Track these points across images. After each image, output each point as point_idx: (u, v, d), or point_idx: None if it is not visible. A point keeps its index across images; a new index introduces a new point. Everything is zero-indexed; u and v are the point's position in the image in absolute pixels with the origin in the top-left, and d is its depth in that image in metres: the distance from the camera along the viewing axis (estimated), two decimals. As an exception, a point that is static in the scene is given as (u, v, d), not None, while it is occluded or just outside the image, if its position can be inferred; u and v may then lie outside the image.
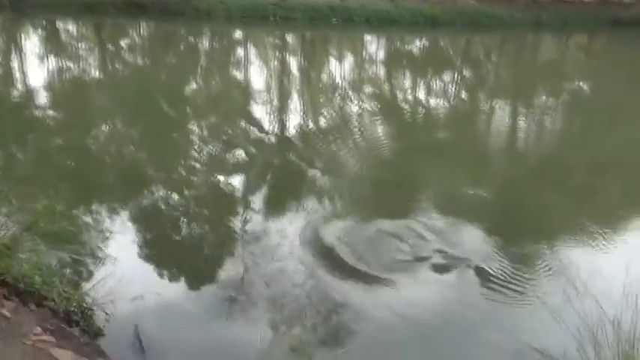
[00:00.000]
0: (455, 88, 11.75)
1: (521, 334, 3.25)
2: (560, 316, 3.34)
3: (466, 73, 13.15)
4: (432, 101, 10.37)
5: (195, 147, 7.18)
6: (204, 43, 14.79)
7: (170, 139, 7.39)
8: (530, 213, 5.38)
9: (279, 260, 4.21)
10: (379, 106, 10.02)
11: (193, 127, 8.13)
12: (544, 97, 10.83)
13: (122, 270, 3.78)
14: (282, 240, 4.53)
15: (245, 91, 10.78)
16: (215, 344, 3.24)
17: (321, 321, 3.51)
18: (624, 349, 2.47)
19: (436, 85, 11.73)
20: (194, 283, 3.95)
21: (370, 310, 3.65)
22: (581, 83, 11.73)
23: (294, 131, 7.97)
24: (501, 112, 9.77)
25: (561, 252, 4.49)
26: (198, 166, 6.47)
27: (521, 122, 9.17)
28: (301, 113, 9.50)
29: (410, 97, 10.75)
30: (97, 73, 11.66)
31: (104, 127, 7.83)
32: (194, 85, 10.98)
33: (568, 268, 4.19)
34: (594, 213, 5.56)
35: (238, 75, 12.29)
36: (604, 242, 4.67)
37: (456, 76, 12.66)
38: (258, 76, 12.04)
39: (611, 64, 12.99)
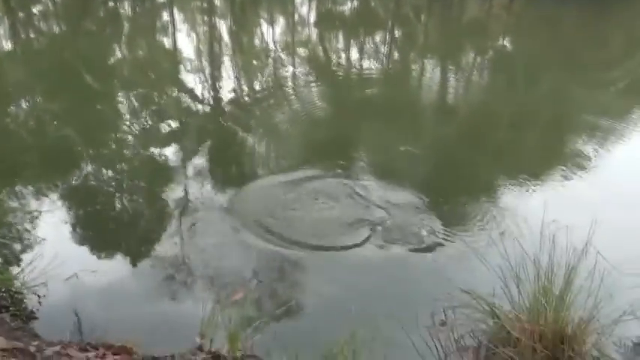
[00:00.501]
0: (386, 48, 11.84)
1: (453, 280, 3.46)
2: (487, 260, 3.58)
3: (396, 32, 13.24)
4: (365, 62, 10.43)
5: (124, 119, 6.87)
6: (126, 8, 13.92)
7: (96, 112, 7.00)
8: (459, 167, 5.65)
9: (217, 232, 4.20)
10: (312, 67, 9.95)
11: (120, 98, 7.73)
12: (469, 55, 11.15)
13: (54, 250, 3.62)
14: (218, 211, 4.50)
15: (173, 59, 10.32)
16: (155, 321, 3.21)
17: (263, 290, 3.57)
18: (543, 284, 2.68)
19: (368, 45, 11.76)
20: (131, 260, 3.87)
21: (308, 274, 3.78)
22: (503, 41, 12.15)
23: (228, 97, 7.80)
24: (430, 71, 10.00)
25: (488, 201, 4.77)
26: (128, 138, 6.20)
27: (449, 80, 9.44)
28: (234, 78, 9.28)
29: (342, 58, 10.75)
30: (8, 43, 10.74)
31: (23, 103, 7.30)
32: (118, 54, 10.38)
33: (494, 215, 4.48)
34: (516, 164, 5.90)
35: (165, 42, 11.72)
36: (525, 190, 5.00)
37: (386, 36, 12.72)
38: (186, 43, 11.53)
39: (530, 22, 13.49)
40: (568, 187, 5.14)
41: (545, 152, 6.38)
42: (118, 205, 4.69)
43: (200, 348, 2.89)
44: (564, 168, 5.61)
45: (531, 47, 11.08)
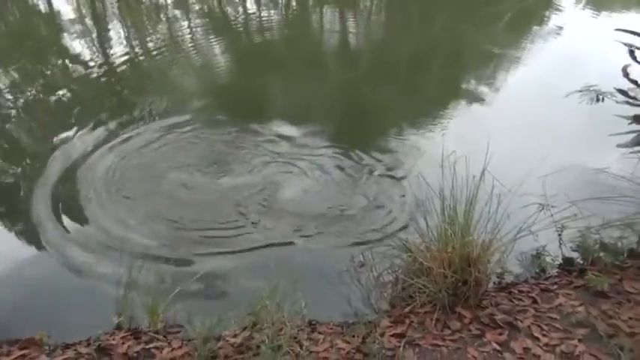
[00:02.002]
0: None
1: (366, 221, 3.55)
2: (394, 198, 3.71)
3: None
4: (263, 11, 10.08)
5: (7, 96, 6.17)
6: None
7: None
8: (363, 108, 5.75)
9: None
10: (208, 21, 9.47)
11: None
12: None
13: None
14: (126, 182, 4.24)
15: (53, 24, 9.35)
16: (66, 308, 3.00)
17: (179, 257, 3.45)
18: (449, 214, 2.79)
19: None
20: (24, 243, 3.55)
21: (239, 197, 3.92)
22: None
23: (120, 60, 7.21)
24: (329, 16, 9.90)
25: (393, 140, 4.88)
26: (14, 116, 5.61)
27: (348, 24, 9.41)
28: (124, 40, 8.59)
29: (239, 10, 10.31)
30: None
31: None
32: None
33: (398, 152, 4.61)
34: (417, 101, 6.10)
35: (41, 6, 10.53)
36: (426, 125, 5.18)
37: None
38: (64, 4, 10.44)
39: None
40: (465, 119, 5.40)
41: (443, 87, 6.63)
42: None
43: (118, 327, 2.75)
44: (461, 101, 5.87)
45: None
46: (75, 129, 5.11)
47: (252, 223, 3.66)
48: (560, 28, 8.66)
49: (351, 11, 10.11)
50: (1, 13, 9.90)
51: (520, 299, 2.78)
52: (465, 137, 4.36)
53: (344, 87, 6.48)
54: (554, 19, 9.29)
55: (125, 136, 4.95)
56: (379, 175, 4.27)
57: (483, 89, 6.25)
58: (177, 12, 10.26)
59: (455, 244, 2.67)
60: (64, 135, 5.00)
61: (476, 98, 5.93)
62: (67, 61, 7.42)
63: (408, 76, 7.06)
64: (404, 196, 3.78)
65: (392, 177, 4.20)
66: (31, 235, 3.61)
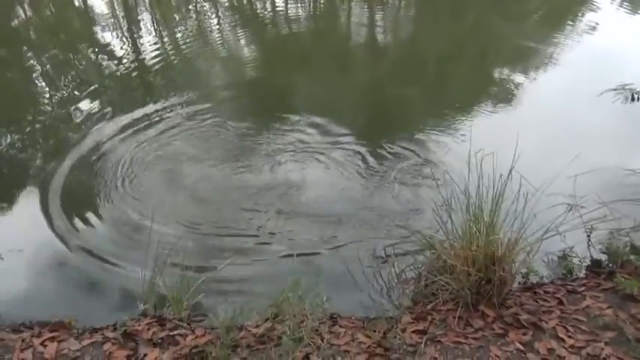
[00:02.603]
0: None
1: (390, 217, 3.55)
2: (420, 194, 3.69)
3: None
4: (291, 7, 10.09)
5: (40, 89, 6.36)
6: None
7: (7, 83, 6.44)
8: (390, 104, 5.69)
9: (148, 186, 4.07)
10: (238, 18, 9.54)
11: (33, 66, 7.12)
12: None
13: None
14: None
15: (86, 18, 9.56)
16: (94, 293, 3.10)
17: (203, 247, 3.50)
18: (474, 212, 2.76)
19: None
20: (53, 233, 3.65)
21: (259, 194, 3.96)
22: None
23: (151, 55, 7.33)
24: (357, 11, 9.85)
25: (419, 136, 4.85)
26: (47, 109, 5.78)
27: (376, 20, 9.36)
28: (155, 34, 8.73)
29: (267, 3, 10.35)
30: None
31: None
32: (22, 17, 9.47)
33: (425, 149, 4.57)
34: (445, 97, 6.03)
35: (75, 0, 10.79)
36: (454, 122, 5.12)
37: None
38: (97, -1, 10.68)
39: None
40: (494, 116, 5.33)
41: (472, 84, 6.55)
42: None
43: (144, 314, 2.82)
44: (490, 98, 5.79)
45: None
46: (101, 118, 5.30)
47: (277, 212, 3.71)
48: (595, 25, 8.42)
49: (379, 6, 10.06)
50: (36, 7, 10.17)
51: (545, 300, 2.74)
52: (494, 135, 4.29)
53: (370, 82, 6.47)
54: (589, 17, 9.03)
55: (148, 124, 5.11)
56: (405, 171, 4.25)
57: (514, 86, 6.14)
58: (206, 5, 10.38)
59: (480, 242, 2.65)
60: (91, 124, 5.18)
61: (506, 95, 5.83)
62: (97, 52, 7.60)
63: (437, 71, 6.99)
64: (430, 193, 3.75)
65: (418, 174, 4.18)
66: (53, 223, 3.71)
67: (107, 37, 8.32)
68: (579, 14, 9.30)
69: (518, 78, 6.43)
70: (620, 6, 9.95)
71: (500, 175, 2.81)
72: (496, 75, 6.65)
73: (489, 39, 8.11)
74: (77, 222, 3.73)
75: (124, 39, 8.41)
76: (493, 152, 2.84)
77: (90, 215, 3.80)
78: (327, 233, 3.51)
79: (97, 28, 8.88)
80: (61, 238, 3.56)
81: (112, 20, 9.39)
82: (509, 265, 2.67)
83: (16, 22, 9.06)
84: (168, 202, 3.91)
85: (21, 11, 9.73)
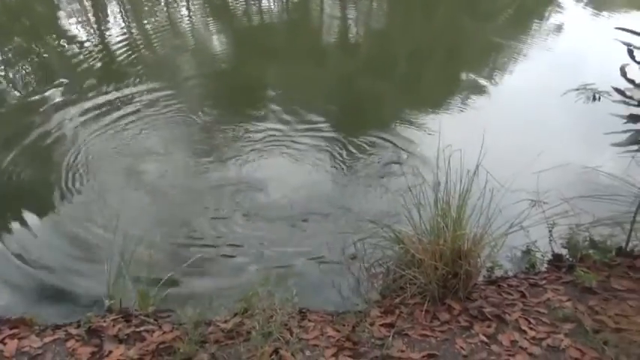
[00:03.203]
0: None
1: (359, 212, 3.57)
2: (389, 189, 3.72)
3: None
4: (264, 1, 10.00)
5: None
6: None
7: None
8: (362, 100, 5.74)
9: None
10: (210, 8, 9.41)
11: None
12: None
13: None
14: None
15: (50, 3, 9.26)
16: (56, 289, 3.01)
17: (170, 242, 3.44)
18: (442, 207, 2.80)
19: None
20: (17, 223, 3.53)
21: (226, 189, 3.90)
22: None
23: (120, 46, 7.14)
24: (329, 6, 9.84)
25: (389, 132, 4.88)
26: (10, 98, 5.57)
27: (349, 16, 9.37)
28: (123, 23, 8.52)
29: (240, -2, 10.23)
30: None
31: None
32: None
33: (395, 145, 4.62)
34: (416, 94, 6.12)
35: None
36: (423, 118, 5.18)
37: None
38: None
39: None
40: (462, 113, 5.43)
41: (441, 80, 6.65)
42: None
43: (109, 309, 2.76)
44: (458, 95, 5.88)
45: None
46: (60, 102, 5.22)
47: (244, 215, 3.64)
48: (560, 26, 8.66)
49: (351, 3, 10.07)
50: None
51: (509, 293, 2.81)
52: (462, 131, 4.34)
53: (341, 77, 6.47)
54: (555, 17, 9.29)
55: (109, 111, 5.06)
56: (374, 166, 4.29)
57: (481, 84, 6.26)
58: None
59: (447, 237, 2.69)
60: (52, 112, 5.08)
61: (474, 93, 5.93)
62: (61, 40, 7.36)
63: (407, 67, 7.07)
64: (398, 188, 3.79)
65: (387, 169, 4.22)
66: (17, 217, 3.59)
67: (72, 24, 8.08)
68: (546, 14, 9.54)
69: (486, 75, 6.57)
70: (585, 7, 10.25)
71: (467, 171, 2.86)
72: (464, 72, 6.75)
73: (458, 36, 8.24)
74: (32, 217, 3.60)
75: (90, 27, 8.18)
76: (460, 149, 2.88)
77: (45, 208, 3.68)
78: (296, 230, 3.49)
79: (62, 15, 8.62)
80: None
81: (78, 7, 9.12)
82: (474, 260, 2.72)
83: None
84: (127, 200, 3.77)
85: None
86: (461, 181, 2.81)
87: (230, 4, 9.69)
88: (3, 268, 3.12)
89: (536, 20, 9.30)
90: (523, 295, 2.78)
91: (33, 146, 4.48)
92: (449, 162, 2.91)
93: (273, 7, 9.92)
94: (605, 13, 9.64)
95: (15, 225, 3.50)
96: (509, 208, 2.97)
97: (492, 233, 2.78)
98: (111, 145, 4.51)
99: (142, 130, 4.78)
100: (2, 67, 6.43)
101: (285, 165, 4.34)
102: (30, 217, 3.57)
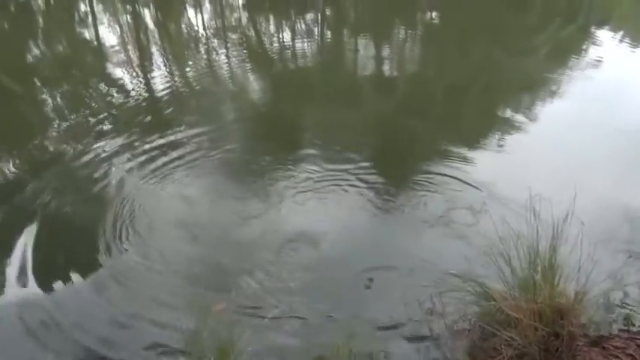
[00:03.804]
0: (318, 28, 11.51)
1: (436, 263, 3.29)
2: (466, 237, 3.45)
3: (327, 12, 12.89)
4: (298, 42, 10.05)
5: (51, 121, 6.17)
6: (39, 1, 12.61)
7: (18, 116, 6.25)
8: (403, 141, 5.48)
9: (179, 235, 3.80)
10: (247, 53, 9.48)
11: (45, 98, 6.96)
12: (401, 30, 11.06)
13: None
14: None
15: (98, 53, 9.47)
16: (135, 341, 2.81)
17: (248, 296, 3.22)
18: (532, 259, 2.54)
19: (300, 26, 11.36)
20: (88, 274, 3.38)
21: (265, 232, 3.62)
22: (430, 15, 12.13)
23: (163, 91, 7.19)
24: (364, 47, 9.82)
25: (438, 175, 4.58)
26: (56, 142, 5.57)
27: (384, 55, 9.32)
28: (166, 70, 8.63)
29: (277, 41, 10.32)
30: None
31: None
32: (36, 52, 9.36)
33: (452, 190, 4.32)
34: (457, 133, 5.82)
35: (86, 35, 10.72)
36: (471, 159, 4.86)
37: (318, 15, 12.35)
38: (109, 35, 10.61)
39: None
40: (506, 153, 5.09)
41: (483, 118, 6.39)
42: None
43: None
44: (499, 133, 5.59)
45: (458, 19, 11.16)
46: (108, 148, 5.16)
47: (300, 275, 3.31)
48: (599, 61, 8.38)
49: (386, 41, 10.04)
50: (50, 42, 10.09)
51: (616, 356, 2.50)
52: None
53: (382, 117, 6.30)
54: (593, 52, 9.04)
55: (153, 157, 4.96)
56: (430, 209, 4.01)
57: (521, 123, 5.93)
58: (215, 42, 10.34)
59: (544, 293, 2.42)
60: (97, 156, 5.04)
61: (514, 131, 5.65)
62: (108, 86, 7.46)
63: (445, 105, 6.85)
64: (470, 235, 3.52)
65: (447, 212, 3.94)
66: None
67: (118, 71, 8.21)
68: (583, 49, 9.31)
69: (528, 113, 6.28)
70: (621, 42, 9.99)
71: (556, 220, 2.60)
72: (506, 108, 6.51)
73: (495, 73, 8.04)
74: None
75: (135, 73, 8.30)
76: (549, 196, 2.65)
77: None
78: (361, 289, 3.19)
79: (109, 63, 8.78)
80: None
81: (123, 55, 9.30)
82: (577, 319, 2.43)
83: (30, 57, 8.94)
84: (178, 254, 3.58)
85: (35, 47, 9.62)
86: (553, 229, 2.55)
87: (267, 49, 9.78)
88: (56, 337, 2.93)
89: (573, 56, 9.08)
90: (634, 359, 2.47)
91: (81, 195, 4.41)
92: (534, 209, 2.67)
93: (307, 50, 9.95)
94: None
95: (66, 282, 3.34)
96: (607, 260, 2.69)
97: (591, 289, 2.50)
98: (157, 191, 4.38)
99: (187, 175, 4.66)
100: (54, 116, 6.49)
101: (332, 211, 4.05)
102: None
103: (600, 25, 10.28)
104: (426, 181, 4.41)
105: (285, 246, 3.59)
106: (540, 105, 6.70)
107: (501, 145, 5.29)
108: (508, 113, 6.29)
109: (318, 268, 3.37)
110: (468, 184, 4.32)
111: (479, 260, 2.88)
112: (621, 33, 10.18)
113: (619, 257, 2.83)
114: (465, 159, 4.85)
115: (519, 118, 6.01)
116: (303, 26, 11.32)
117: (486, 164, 4.70)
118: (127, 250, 3.61)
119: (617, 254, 2.86)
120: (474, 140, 5.39)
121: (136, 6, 12.79)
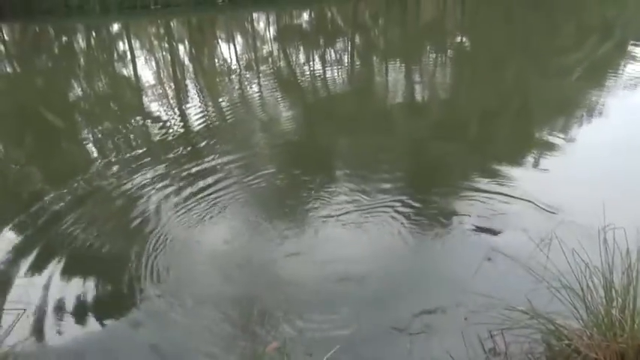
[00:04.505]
0: (348, 56, 11.50)
1: (494, 295, 3.00)
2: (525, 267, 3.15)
3: (357, 39, 12.93)
4: (329, 71, 10.03)
5: (92, 155, 6.21)
6: (80, 42, 13.09)
7: (62, 151, 6.32)
8: (439, 168, 5.19)
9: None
10: (279, 83, 9.50)
11: (86, 134, 7.06)
12: (431, 55, 10.93)
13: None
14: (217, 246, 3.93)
15: (136, 88, 9.67)
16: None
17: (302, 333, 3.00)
18: (609, 293, 2.26)
19: (330, 54, 11.38)
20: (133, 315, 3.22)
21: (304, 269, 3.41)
22: (461, 38, 12.00)
23: (198, 122, 7.20)
24: (395, 73, 9.69)
25: (477, 199, 4.32)
26: (98, 175, 5.57)
27: (415, 80, 9.16)
28: (200, 102, 8.70)
29: (308, 70, 10.33)
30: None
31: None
32: (77, 89, 9.63)
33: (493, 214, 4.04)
34: (494, 156, 5.52)
35: (125, 72, 11.01)
36: (510, 182, 4.57)
37: (347, 44, 12.40)
38: (146, 71, 10.88)
39: (483, 17, 13.45)
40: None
41: (519, 141, 6.08)
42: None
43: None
44: (536, 154, 5.29)
45: (488, 41, 10.99)
46: (146, 182, 5.08)
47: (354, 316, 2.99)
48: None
49: (416, 66, 9.90)
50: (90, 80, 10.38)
51: None
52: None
53: (413, 142, 6.07)
54: (631, 69, 8.65)
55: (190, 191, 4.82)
56: (472, 237, 3.73)
57: (559, 143, 5.61)
58: (247, 74, 10.43)
59: (624, 331, 2.13)
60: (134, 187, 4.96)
61: (551, 151, 5.33)
62: (146, 120, 7.53)
63: (478, 130, 6.58)
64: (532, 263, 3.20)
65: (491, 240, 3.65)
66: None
67: (154, 106, 8.31)
68: (620, 67, 8.93)
69: (564, 133, 5.95)
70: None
71: (626, 250, 2.32)
72: (542, 131, 6.19)
73: (529, 94, 7.74)
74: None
75: (170, 107, 8.39)
76: (623, 227, 2.36)
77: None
78: (408, 335, 2.84)
79: (145, 99, 8.92)
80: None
81: (160, 90, 9.45)
82: (665, 361, 2.13)
83: (71, 94, 9.18)
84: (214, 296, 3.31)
85: (76, 85, 9.91)
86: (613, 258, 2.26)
87: (298, 77, 9.77)
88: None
89: (609, 75, 8.70)
90: None
91: (115, 228, 4.31)
92: (605, 237, 2.39)
93: (337, 77, 9.89)
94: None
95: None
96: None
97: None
98: (192, 224, 4.21)
99: (219, 210, 4.44)
100: (94, 149, 6.55)
101: (375, 245, 3.76)
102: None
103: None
104: (474, 205, 4.14)
105: (326, 286, 3.30)
106: (576, 128, 6.36)
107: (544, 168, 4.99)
108: (545, 135, 5.98)
109: (359, 312, 3.04)
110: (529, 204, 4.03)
111: (544, 294, 2.59)
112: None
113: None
114: (511, 178, 4.58)
115: (555, 139, 5.70)
116: (333, 55, 11.33)
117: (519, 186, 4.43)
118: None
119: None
120: (501, 162, 5.11)
121: (172, 42, 13.16)
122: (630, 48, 9.67)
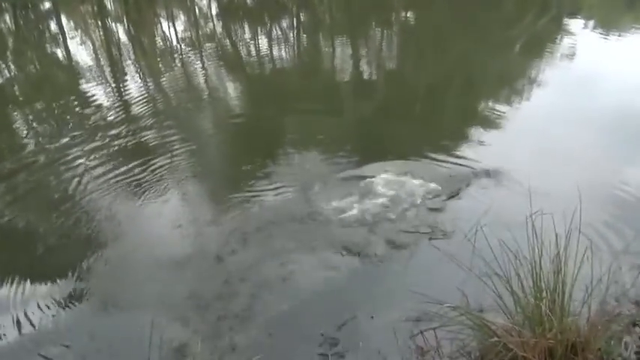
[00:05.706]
0: (294, 33, 11.04)
1: (422, 289, 2.81)
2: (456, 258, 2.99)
3: (302, 17, 12.40)
4: (275, 49, 9.58)
5: (26, 141, 5.66)
6: (6, 21, 11.96)
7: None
8: (386, 143, 5.06)
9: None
10: (223, 62, 8.99)
11: (17, 119, 6.45)
12: (377, 31, 10.64)
13: None
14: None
15: (70, 70, 8.91)
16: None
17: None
18: (536, 286, 2.11)
19: (275, 32, 10.87)
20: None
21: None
22: (405, 15, 11.71)
23: (137, 103, 6.69)
24: (341, 50, 9.37)
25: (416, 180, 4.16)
26: (33, 160, 5.07)
27: (362, 57, 8.89)
28: (141, 82, 8.12)
29: (253, 48, 9.83)
30: None
31: None
32: (5, 72, 8.79)
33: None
34: (439, 131, 5.43)
35: (58, 52, 10.14)
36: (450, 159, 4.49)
37: (292, 21, 11.88)
38: (82, 51, 10.03)
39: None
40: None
41: (464, 115, 5.99)
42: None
43: None
44: (482, 129, 5.21)
45: (432, 17, 10.80)
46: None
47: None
48: (573, 50, 8.03)
49: (362, 43, 9.61)
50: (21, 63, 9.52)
51: (640, 394, 2.07)
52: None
53: (360, 119, 5.87)
54: (566, 42, 8.70)
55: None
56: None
57: (505, 116, 5.56)
58: (189, 53, 9.83)
59: (553, 326, 1.99)
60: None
61: (496, 126, 5.27)
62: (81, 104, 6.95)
63: (423, 107, 6.43)
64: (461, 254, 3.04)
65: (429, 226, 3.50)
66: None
67: (91, 88, 7.67)
68: (557, 41, 8.96)
69: (509, 105, 5.90)
70: (593, 30, 9.67)
71: (556, 234, 2.17)
72: (486, 104, 6.13)
73: (473, 68, 7.65)
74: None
75: (109, 89, 7.78)
76: (551, 213, 2.21)
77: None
78: (357, 316, 2.74)
79: (82, 80, 8.24)
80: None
81: (97, 72, 8.75)
82: (594, 354, 2.00)
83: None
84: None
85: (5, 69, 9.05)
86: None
87: (243, 57, 9.29)
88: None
89: (548, 47, 8.72)
90: (662, 397, 2.05)
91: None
92: (533, 224, 2.24)
93: (284, 54, 9.48)
94: (613, 35, 9.06)
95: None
96: (620, 276, 2.26)
97: (610, 314, 2.07)
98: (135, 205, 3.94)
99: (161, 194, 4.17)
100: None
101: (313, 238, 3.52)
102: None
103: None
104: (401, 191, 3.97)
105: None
106: (518, 100, 6.34)
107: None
108: (489, 108, 5.90)
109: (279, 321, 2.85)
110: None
111: (474, 287, 2.42)
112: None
113: (634, 273, 2.40)
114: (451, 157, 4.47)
115: (499, 113, 5.62)
116: (279, 32, 10.83)
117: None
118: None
119: (633, 270, 2.44)
120: (451, 138, 5.00)
121: (107, 20, 12.21)
122: (565, 21, 9.73)
